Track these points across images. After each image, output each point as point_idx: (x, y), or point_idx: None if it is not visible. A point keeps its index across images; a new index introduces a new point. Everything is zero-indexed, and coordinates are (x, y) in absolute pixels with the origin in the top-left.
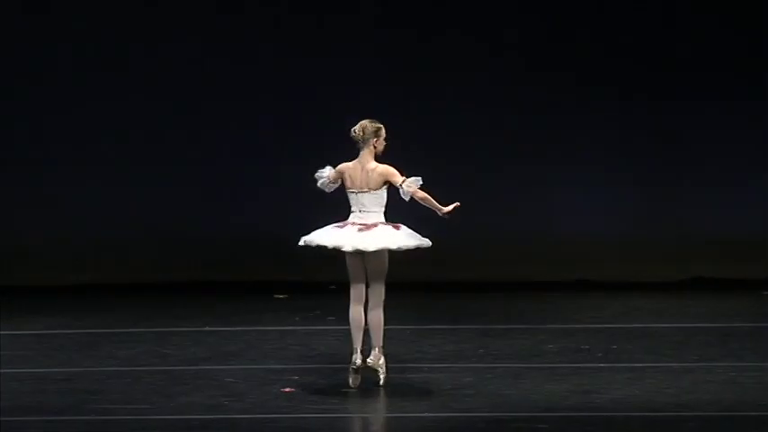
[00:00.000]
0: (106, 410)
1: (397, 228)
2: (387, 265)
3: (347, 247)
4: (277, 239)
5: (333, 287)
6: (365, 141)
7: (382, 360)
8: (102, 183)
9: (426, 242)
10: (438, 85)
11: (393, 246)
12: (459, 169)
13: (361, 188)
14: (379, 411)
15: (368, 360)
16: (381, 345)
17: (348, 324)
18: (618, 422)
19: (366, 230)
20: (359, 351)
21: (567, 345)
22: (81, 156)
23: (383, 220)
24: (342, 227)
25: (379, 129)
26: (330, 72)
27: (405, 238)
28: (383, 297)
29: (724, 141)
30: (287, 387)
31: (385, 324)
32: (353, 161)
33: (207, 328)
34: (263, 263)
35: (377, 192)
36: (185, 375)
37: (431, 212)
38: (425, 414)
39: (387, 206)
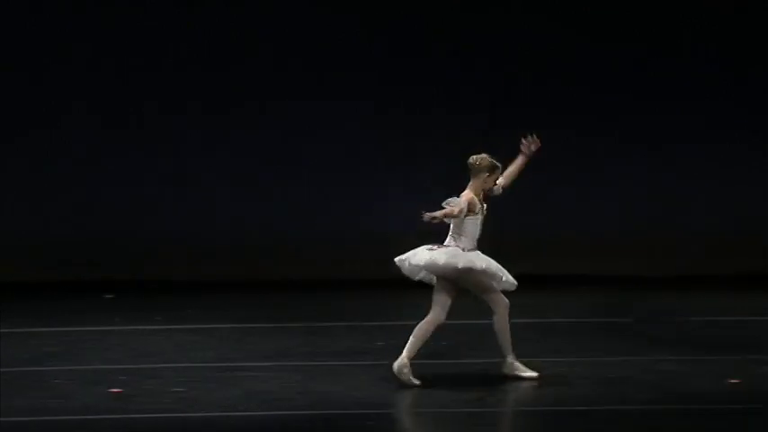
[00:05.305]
0: None
1: (439, 248)
2: (477, 281)
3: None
4: (104, 237)
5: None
6: (474, 173)
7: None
8: None
9: (426, 275)
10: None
11: (406, 263)
12: (306, 169)
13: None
14: (205, 410)
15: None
16: (508, 354)
17: None
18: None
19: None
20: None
21: (391, 342)
22: None
23: (452, 243)
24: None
25: (494, 166)
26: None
27: (420, 257)
28: (497, 309)
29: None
30: (114, 387)
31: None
32: None
33: (29, 329)
34: (92, 261)
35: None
36: (9, 378)
37: None
38: (253, 413)
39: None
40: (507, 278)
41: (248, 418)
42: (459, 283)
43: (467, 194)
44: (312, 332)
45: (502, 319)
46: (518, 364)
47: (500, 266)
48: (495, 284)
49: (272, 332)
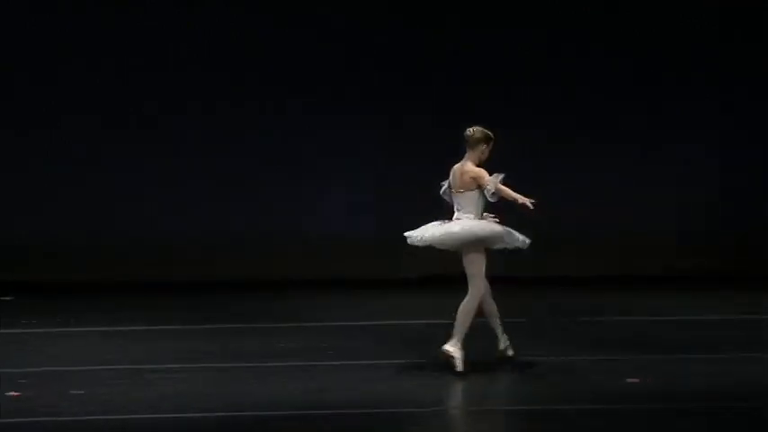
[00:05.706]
0: None
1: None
2: (474, 259)
3: (412, 240)
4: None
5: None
6: (471, 145)
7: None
8: None
9: (470, 237)
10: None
11: (429, 238)
12: (234, 169)
13: (458, 189)
14: (115, 413)
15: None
16: (457, 337)
17: None
18: (350, 418)
19: (443, 224)
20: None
21: (303, 344)
22: None
23: (461, 217)
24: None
25: (489, 137)
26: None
27: (452, 231)
28: (472, 291)
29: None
30: (13, 392)
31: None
32: (458, 163)
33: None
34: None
35: (470, 193)
36: None
37: None
38: (162, 416)
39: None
40: (517, 237)
41: (157, 420)
42: (462, 252)
43: (475, 169)
44: (222, 333)
45: (473, 301)
46: (458, 353)
47: (508, 229)
48: (505, 243)
49: (180, 334)
